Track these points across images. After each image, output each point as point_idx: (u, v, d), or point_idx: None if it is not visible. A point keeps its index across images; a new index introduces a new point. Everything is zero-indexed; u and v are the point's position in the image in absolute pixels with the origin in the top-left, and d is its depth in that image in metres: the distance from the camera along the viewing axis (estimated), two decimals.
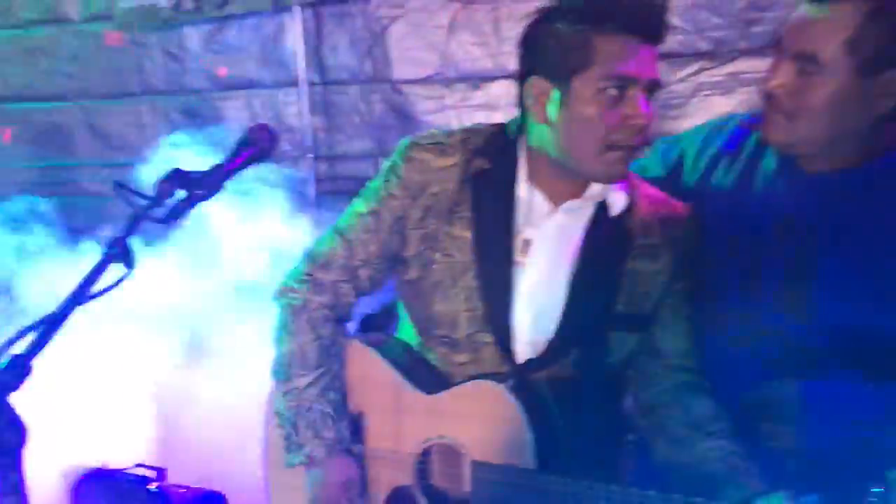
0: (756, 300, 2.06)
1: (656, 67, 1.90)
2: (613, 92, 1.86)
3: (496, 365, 2.02)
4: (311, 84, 4.31)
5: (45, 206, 4.40)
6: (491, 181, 2.02)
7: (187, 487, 2.85)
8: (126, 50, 4.70)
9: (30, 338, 1.50)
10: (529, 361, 2.01)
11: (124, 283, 1.58)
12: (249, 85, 4.48)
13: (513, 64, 2.02)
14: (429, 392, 2.05)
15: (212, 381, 3.42)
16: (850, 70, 1.90)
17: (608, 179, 1.97)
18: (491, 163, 2.03)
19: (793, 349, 2.03)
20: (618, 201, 2.02)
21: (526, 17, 1.97)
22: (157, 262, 3.49)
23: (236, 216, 3.72)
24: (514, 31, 2.27)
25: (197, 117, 4.54)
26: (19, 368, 1.46)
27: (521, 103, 1.99)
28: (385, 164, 2.10)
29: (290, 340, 2.13)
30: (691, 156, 2.20)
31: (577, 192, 2.01)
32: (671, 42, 2.06)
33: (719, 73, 3.48)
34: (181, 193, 1.69)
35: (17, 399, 1.46)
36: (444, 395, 2.03)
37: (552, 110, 1.92)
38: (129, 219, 1.64)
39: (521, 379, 1.99)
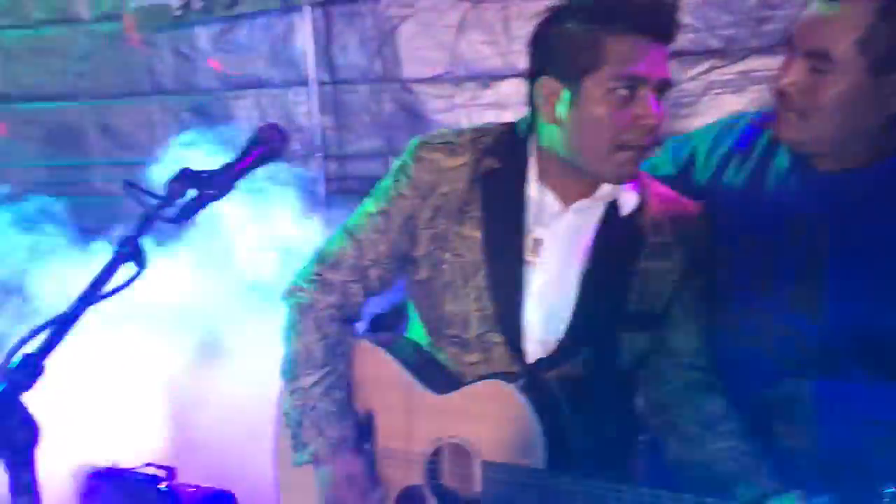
0: (768, 299, 2.06)
1: (667, 67, 1.89)
2: (624, 92, 1.85)
3: (507, 365, 2.01)
4: (321, 83, 4.31)
5: (56, 205, 4.40)
6: (501, 181, 2.02)
7: (197, 487, 2.87)
8: (136, 49, 4.71)
9: (42, 337, 1.50)
10: (540, 361, 2.01)
11: (136, 283, 1.58)
12: (259, 84, 4.49)
13: (523, 63, 2.01)
14: (439, 392, 2.05)
15: (222, 381, 3.42)
16: (862, 69, 1.89)
17: (618, 180, 1.96)
18: (501, 162, 2.02)
19: (804, 348, 2.03)
20: (628, 200, 2.01)
21: (536, 16, 1.96)
22: (168, 261, 3.50)
23: (247, 215, 3.73)
24: (523, 30, 2.28)
25: (207, 116, 4.55)
26: (31, 368, 1.46)
27: (531, 103, 1.99)
28: (395, 163, 2.09)
29: (297, 340, 2.14)
30: (702, 154, 2.19)
31: (588, 192, 2.00)
32: (682, 40, 2.05)
33: (730, 71, 3.47)
34: (192, 193, 1.69)
35: (29, 398, 1.46)
36: (454, 395, 2.03)
37: (562, 110, 1.91)
38: (141, 218, 1.64)
39: (532, 379, 1.98)
